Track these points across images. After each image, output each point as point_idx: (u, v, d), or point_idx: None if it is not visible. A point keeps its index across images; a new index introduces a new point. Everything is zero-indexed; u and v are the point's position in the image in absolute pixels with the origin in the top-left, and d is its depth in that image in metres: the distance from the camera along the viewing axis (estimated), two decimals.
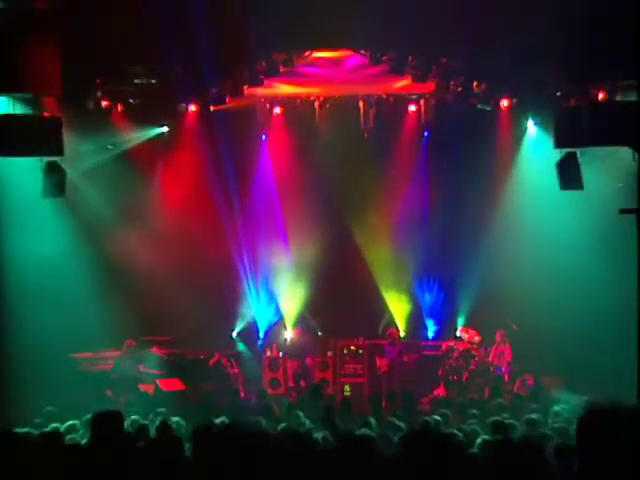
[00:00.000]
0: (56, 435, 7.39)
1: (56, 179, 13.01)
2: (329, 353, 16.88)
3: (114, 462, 5.34)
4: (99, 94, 14.66)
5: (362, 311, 17.16)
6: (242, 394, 14.89)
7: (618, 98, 12.57)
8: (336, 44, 14.45)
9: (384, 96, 16.73)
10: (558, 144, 13.44)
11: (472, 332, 16.40)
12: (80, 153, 14.49)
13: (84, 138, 14.47)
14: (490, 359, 15.92)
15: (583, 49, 11.78)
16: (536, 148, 16.00)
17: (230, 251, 17.27)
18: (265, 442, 4.99)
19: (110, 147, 16.03)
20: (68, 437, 7.83)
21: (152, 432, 8.12)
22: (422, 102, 16.82)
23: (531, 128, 16.16)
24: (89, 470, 5.37)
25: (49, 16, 11.81)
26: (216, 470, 4.70)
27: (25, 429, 8.49)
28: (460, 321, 17.12)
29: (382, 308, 17.50)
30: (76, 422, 9.00)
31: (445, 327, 17.40)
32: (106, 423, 5.72)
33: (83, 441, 7.19)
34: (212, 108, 16.18)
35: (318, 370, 16.71)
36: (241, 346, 16.96)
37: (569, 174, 13.64)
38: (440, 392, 15.48)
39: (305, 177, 17.42)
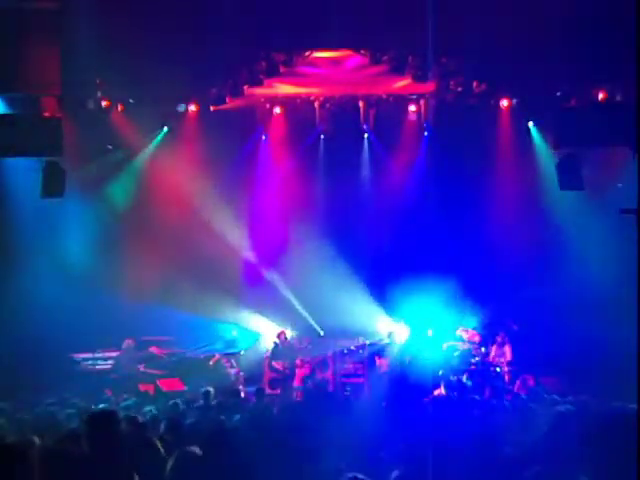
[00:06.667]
0: (53, 435, 7.37)
1: (56, 179, 13.01)
2: (329, 353, 16.85)
3: (110, 462, 5.32)
4: (99, 94, 14.66)
5: (362, 311, 17.14)
6: (242, 394, 14.87)
7: (618, 98, 12.58)
8: (336, 44, 14.44)
9: (384, 96, 16.70)
10: (558, 144, 13.44)
11: (472, 332, 16.38)
12: (80, 153, 14.48)
13: (84, 138, 14.47)
14: (490, 359, 15.92)
15: (583, 49, 11.79)
16: (536, 148, 15.99)
17: (230, 250, 17.25)
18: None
19: (110, 147, 16.02)
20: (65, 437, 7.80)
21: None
22: (422, 102, 16.81)
23: (531, 128, 16.16)
24: (87, 470, 5.35)
25: (49, 16, 11.82)
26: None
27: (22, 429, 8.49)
28: (460, 321, 17.10)
29: (382, 308, 17.49)
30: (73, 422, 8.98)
31: (445, 327, 17.38)
32: (102, 423, 5.70)
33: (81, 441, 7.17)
34: (212, 108, 16.17)
35: (318, 370, 16.68)
36: (241, 346, 16.93)
37: (569, 174, 13.64)
38: (440, 392, 15.46)
39: (305, 177, 17.42)
